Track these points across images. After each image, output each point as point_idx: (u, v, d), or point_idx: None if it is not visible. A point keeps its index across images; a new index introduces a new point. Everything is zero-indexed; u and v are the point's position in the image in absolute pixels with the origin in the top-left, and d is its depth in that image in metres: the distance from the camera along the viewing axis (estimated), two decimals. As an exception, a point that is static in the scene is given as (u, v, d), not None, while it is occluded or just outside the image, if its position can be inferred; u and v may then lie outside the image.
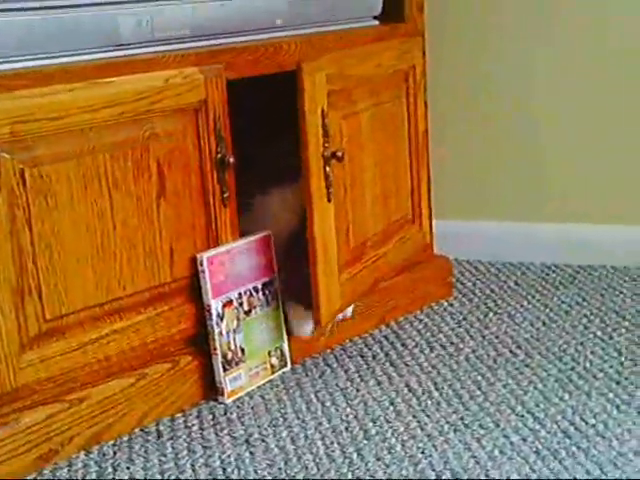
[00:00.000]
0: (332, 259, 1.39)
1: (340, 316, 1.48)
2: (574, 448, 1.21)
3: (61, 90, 1.20)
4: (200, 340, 1.39)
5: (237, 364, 1.41)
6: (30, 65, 1.20)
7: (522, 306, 1.73)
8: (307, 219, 1.34)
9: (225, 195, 1.39)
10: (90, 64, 1.25)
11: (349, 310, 1.51)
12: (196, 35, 1.37)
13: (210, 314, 1.37)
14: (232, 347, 1.40)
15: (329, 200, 1.37)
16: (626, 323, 1.62)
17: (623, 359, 1.47)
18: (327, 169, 1.35)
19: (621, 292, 1.78)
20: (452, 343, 1.58)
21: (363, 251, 1.51)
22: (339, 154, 1.35)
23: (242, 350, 1.42)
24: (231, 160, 1.37)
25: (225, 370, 1.39)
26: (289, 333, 1.49)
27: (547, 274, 1.91)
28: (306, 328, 1.47)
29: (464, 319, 1.69)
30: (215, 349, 1.38)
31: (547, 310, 1.71)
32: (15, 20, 1.18)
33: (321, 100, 1.34)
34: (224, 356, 1.38)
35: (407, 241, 1.66)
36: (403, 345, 1.58)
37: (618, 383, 1.39)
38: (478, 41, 1.96)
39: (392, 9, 1.64)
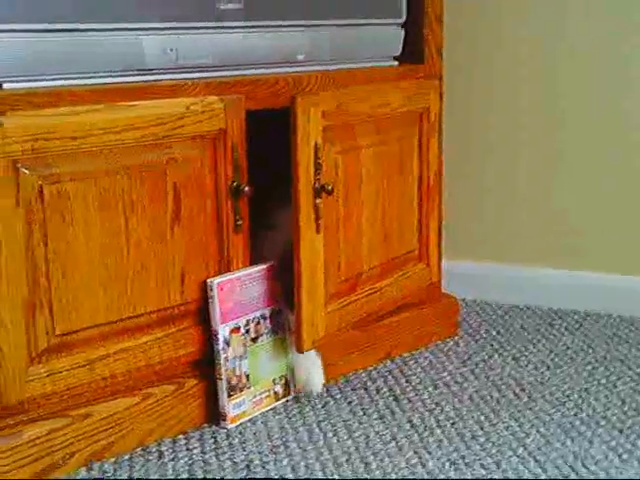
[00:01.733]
0: (318, 288, 1.42)
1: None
2: (574, 492, 1.21)
3: (84, 110, 1.22)
4: (206, 364, 1.40)
5: (241, 390, 1.41)
6: (55, 84, 1.23)
7: (527, 349, 1.74)
8: (294, 248, 1.37)
9: (238, 222, 1.40)
10: (114, 87, 1.27)
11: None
12: (219, 64, 1.40)
13: (217, 339, 1.38)
14: (237, 373, 1.41)
15: (318, 231, 1.39)
16: (630, 372, 1.62)
17: (626, 408, 1.47)
18: (317, 201, 1.38)
19: (627, 341, 1.78)
20: (456, 382, 1.58)
21: (357, 283, 1.53)
22: (328, 187, 1.38)
23: (247, 376, 1.42)
24: (246, 189, 1.39)
25: (229, 395, 1.39)
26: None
27: (554, 319, 1.91)
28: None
29: (469, 359, 1.69)
30: (220, 374, 1.38)
31: (552, 355, 1.71)
32: (43, 40, 1.21)
33: (314, 134, 1.37)
34: (229, 381, 1.39)
35: (410, 277, 1.67)
36: (407, 381, 1.58)
37: (621, 432, 1.38)
38: (492, 83, 1.98)
39: (412, 51, 1.67)
